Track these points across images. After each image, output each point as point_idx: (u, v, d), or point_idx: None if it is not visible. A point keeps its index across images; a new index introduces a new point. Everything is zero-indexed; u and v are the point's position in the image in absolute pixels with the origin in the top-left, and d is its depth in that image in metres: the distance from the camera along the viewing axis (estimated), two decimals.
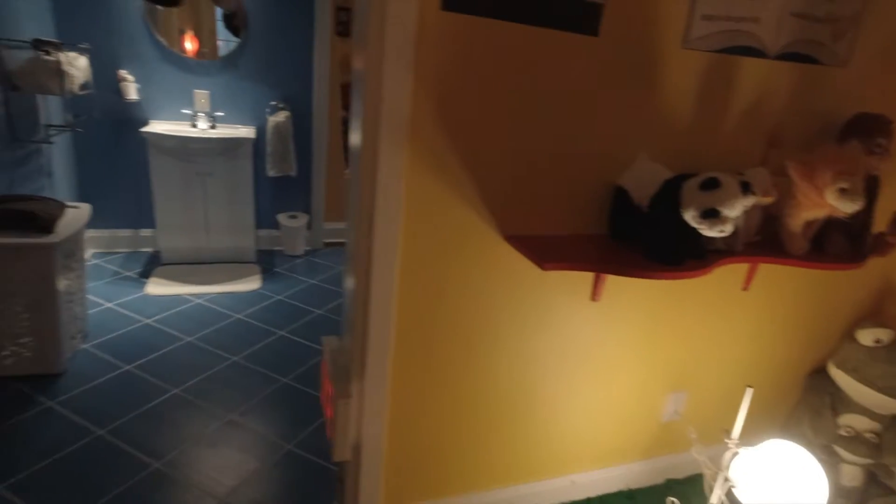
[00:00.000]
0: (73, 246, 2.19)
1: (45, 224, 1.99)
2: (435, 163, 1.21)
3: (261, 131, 3.38)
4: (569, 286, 1.50)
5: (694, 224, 1.17)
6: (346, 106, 4.10)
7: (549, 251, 1.27)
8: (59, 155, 2.85)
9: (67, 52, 2.42)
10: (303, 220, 3.65)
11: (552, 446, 1.71)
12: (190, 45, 3.18)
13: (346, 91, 4.01)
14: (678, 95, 1.38)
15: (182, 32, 3.15)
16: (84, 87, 2.59)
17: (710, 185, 1.14)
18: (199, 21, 3.17)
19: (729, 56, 1.38)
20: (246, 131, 3.25)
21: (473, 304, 1.41)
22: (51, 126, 2.66)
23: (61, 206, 2.17)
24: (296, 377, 2.36)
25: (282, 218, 3.63)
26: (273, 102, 3.37)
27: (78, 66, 2.49)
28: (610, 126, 1.35)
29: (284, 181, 3.60)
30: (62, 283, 2.10)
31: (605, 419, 1.76)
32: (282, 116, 3.35)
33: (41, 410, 1.98)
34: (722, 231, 1.16)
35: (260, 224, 3.52)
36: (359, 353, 1.30)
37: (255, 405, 2.16)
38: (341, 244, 3.97)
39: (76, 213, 2.22)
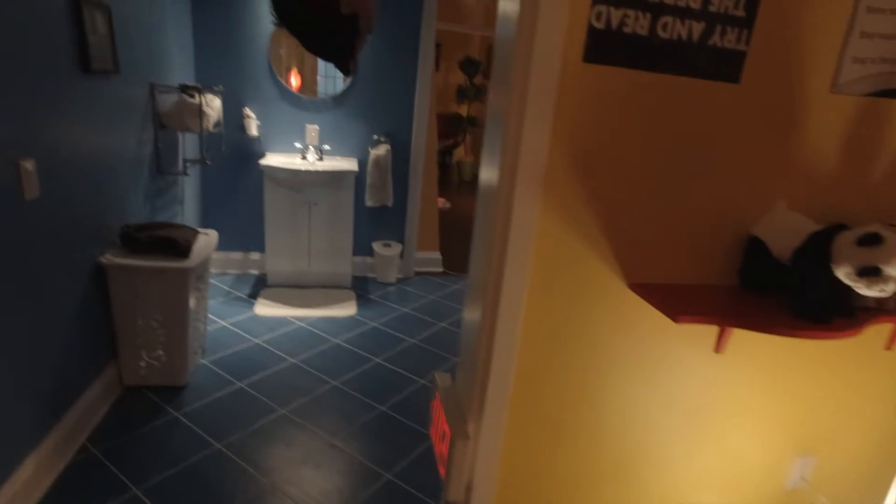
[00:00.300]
0: (202, 269, 2.41)
1: (183, 249, 2.20)
2: (565, 208, 1.22)
3: (362, 163, 3.56)
4: (692, 336, 1.44)
5: (848, 282, 1.09)
6: (441, 135, 4.23)
7: (679, 302, 1.22)
8: (189, 185, 3.16)
9: (206, 94, 2.69)
10: (396, 249, 3.78)
11: (663, 503, 1.62)
12: (294, 81, 3.44)
13: (440, 121, 4.15)
14: (823, 142, 1.30)
15: (289, 70, 3.43)
16: (216, 124, 2.87)
17: (871, 240, 1.06)
18: (302, 58, 3.44)
19: (882, 100, 1.29)
20: (349, 164, 3.44)
21: (592, 350, 1.39)
22: (187, 160, 2.96)
23: (195, 233, 2.39)
24: (393, 406, 2.41)
25: (376, 246, 3.77)
26: (375, 137, 3.56)
27: (213, 106, 2.77)
28: (746, 173, 1.29)
29: (380, 210, 3.76)
30: (192, 303, 2.31)
31: (720, 479, 1.65)
32: (382, 150, 3.52)
33: (169, 420, 2.16)
34: (882, 291, 1.07)
35: (355, 251, 3.68)
36: (478, 393, 1.32)
37: (356, 431, 2.22)
38: (431, 273, 4.06)
39: (206, 240, 2.44)
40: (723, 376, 1.52)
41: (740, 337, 1.47)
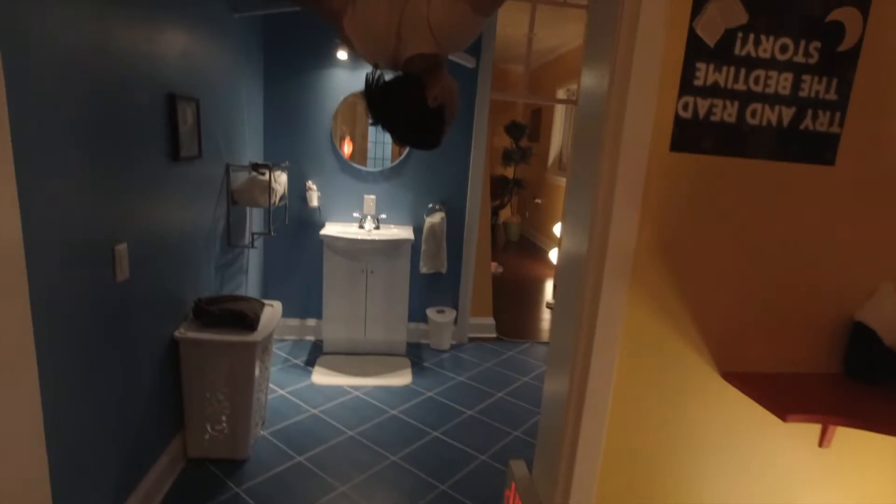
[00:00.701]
0: (267, 341, 2.44)
1: (251, 323, 2.25)
2: (653, 293, 1.18)
3: (417, 230, 3.62)
4: (792, 427, 1.33)
5: None
6: (493, 195, 4.27)
7: (783, 396, 1.14)
8: (253, 255, 3.29)
9: (275, 171, 2.84)
10: (450, 315, 3.75)
11: None
12: (348, 148, 3.59)
13: (493, 183, 4.22)
14: None
15: (342, 138, 3.59)
16: (281, 198, 3.01)
17: None
18: (353, 126, 3.60)
19: None
20: (405, 232, 3.51)
21: (682, 440, 1.30)
22: (254, 233, 3.09)
23: (262, 305, 2.45)
24: (453, 485, 2.31)
25: (430, 312, 3.76)
26: (431, 205, 3.63)
27: (280, 182, 2.91)
28: (844, 255, 1.23)
29: (434, 277, 3.77)
30: (256, 373, 2.33)
31: None
32: (437, 217, 3.58)
33: (230, 497, 2.13)
34: None
35: (409, 317, 3.67)
36: (561, 490, 1.24)
37: None
38: (485, 339, 4.00)
39: (272, 312, 2.49)
40: (831, 473, 1.38)
41: (849, 429, 1.34)
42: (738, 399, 1.28)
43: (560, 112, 7.35)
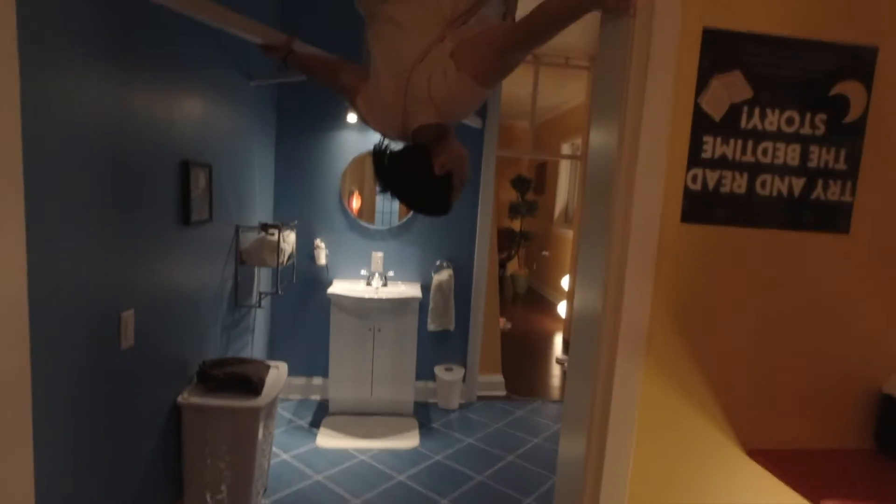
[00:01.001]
0: (272, 405, 2.38)
1: (256, 387, 2.20)
2: (670, 368, 1.14)
3: (425, 287, 3.60)
4: None
5: None
6: (500, 248, 4.25)
7: (814, 477, 1.07)
8: (260, 314, 3.27)
9: (284, 231, 2.86)
10: (459, 373, 3.67)
11: None
12: (356, 203, 3.63)
13: (500, 235, 4.22)
14: None
15: (351, 193, 3.63)
16: (289, 257, 3.02)
17: None
18: (362, 182, 3.65)
19: None
20: (413, 289, 3.48)
21: None
22: (262, 293, 3.09)
23: (267, 368, 2.41)
24: None
25: (438, 370, 3.68)
26: (438, 262, 3.63)
27: (289, 241, 2.93)
28: (867, 325, 1.19)
29: (442, 334, 3.72)
30: (259, 439, 2.26)
31: None
32: (445, 275, 3.57)
33: None
34: None
35: (417, 376, 3.59)
36: None
37: None
38: (495, 398, 3.89)
39: (277, 374, 2.44)
40: None
41: None
42: (765, 476, 1.21)
43: (565, 165, 7.47)
